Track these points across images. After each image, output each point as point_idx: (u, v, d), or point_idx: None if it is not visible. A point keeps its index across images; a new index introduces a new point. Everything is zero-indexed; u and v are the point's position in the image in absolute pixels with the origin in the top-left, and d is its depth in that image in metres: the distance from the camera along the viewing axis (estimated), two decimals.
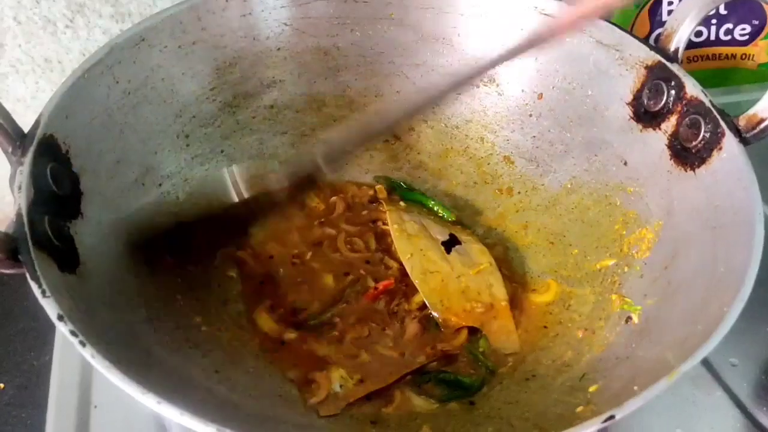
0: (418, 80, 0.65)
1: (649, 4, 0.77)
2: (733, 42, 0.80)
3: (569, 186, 0.61)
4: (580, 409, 0.43)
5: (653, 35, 0.78)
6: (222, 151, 0.61)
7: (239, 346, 0.52)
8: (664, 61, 0.54)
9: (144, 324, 0.46)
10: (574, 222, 0.59)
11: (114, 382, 0.35)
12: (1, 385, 0.74)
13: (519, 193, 0.63)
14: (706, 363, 0.57)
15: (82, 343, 0.36)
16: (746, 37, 0.79)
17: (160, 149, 0.57)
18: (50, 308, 0.37)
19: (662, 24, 0.78)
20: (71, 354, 0.57)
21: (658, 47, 0.54)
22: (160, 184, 0.56)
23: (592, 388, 0.45)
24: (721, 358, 0.58)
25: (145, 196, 0.55)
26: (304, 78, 0.64)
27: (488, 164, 0.66)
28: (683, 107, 0.52)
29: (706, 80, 0.81)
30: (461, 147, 0.66)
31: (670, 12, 0.77)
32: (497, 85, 0.64)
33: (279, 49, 0.62)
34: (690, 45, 0.80)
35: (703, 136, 0.50)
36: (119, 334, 0.43)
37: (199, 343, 0.49)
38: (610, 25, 0.56)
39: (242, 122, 0.63)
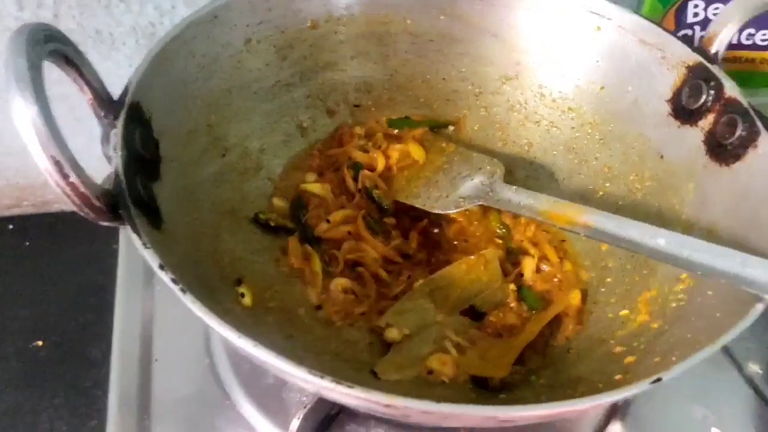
0: (464, 69, 0.68)
1: (676, 4, 0.79)
2: (754, 46, 0.82)
3: (607, 174, 0.63)
4: (618, 377, 0.45)
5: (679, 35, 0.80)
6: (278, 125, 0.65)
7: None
8: (704, 62, 0.56)
9: (221, 283, 0.49)
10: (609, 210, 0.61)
11: (211, 325, 0.38)
12: (40, 343, 0.77)
13: (557, 180, 0.66)
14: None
15: (183, 290, 0.39)
16: (767, 42, 0.81)
17: (225, 121, 0.59)
18: (152, 259, 0.39)
19: (687, 25, 0.80)
20: (133, 311, 0.61)
21: (700, 49, 0.56)
22: (223, 155, 0.59)
23: (627, 360, 0.48)
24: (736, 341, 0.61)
25: (210, 166, 0.57)
26: (356, 62, 0.67)
27: (528, 152, 0.68)
28: (721, 106, 0.54)
29: None
30: (502, 136, 0.69)
31: (695, 14, 0.79)
32: (537, 77, 0.67)
33: (336, 33, 0.65)
34: None
35: (740, 134, 0.52)
36: (200, 290, 0.46)
37: (274, 309, 0.52)
38: (654, 25, 0.59)
39: (297, 100, 0.66)
